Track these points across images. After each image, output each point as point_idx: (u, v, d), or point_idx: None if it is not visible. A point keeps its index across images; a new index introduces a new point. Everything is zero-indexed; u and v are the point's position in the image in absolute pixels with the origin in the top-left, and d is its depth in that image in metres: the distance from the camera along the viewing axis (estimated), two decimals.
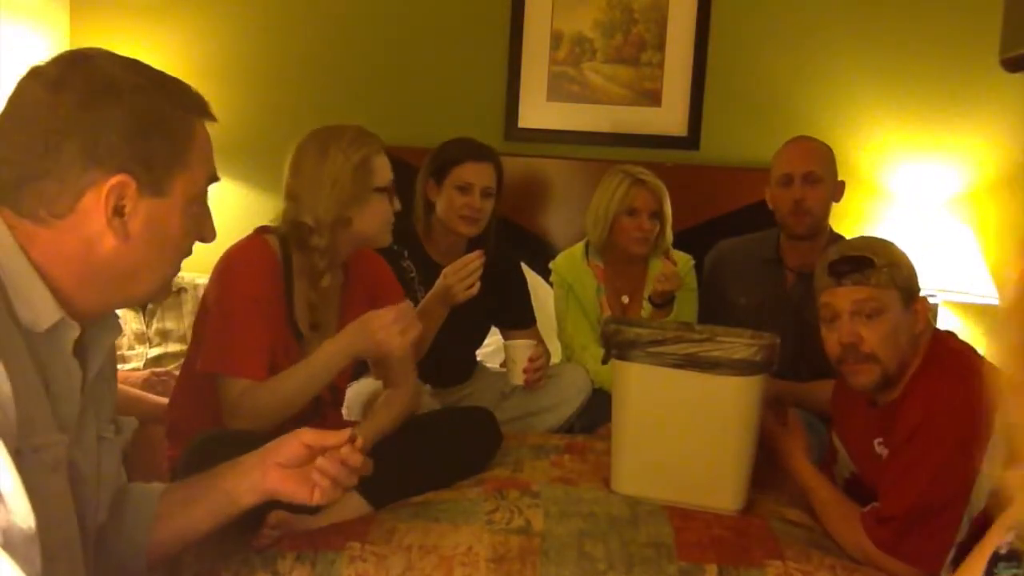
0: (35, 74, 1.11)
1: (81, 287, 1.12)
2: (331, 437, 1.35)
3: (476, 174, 2.55)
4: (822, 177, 2.66)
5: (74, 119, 1.09)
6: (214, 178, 1.23)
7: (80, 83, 1.10)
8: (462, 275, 2.30)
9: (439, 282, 2.34)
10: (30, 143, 1.08)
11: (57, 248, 1.10)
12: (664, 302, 2.72)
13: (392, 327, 1.88)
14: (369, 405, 2.25)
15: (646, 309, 2.78)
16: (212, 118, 1.21)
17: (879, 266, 1.80)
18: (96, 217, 1.10)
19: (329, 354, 1.92)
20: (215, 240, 1.26)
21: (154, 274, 1.19)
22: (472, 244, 2.57)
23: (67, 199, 1.09)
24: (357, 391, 2.38)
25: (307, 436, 1.35)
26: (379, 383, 2.26)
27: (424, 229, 2.64)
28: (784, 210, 2.69)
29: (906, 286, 1.80)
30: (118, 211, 1.11)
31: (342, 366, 1.95)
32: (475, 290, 2.31)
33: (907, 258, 1.85)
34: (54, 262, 1.10)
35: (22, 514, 0.96)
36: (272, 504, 1.68)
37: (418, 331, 1.93)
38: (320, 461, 1.33)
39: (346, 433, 1.36)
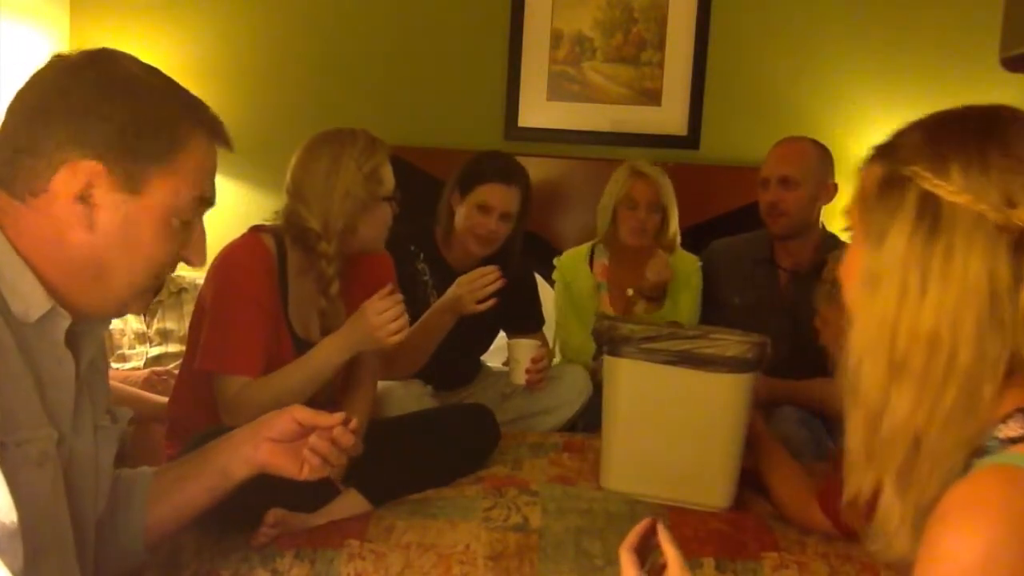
0: (57, 59, 1.13)
1: (58, 277, 1.12)
2: (324, 416, 1.38)
3: (499, 197, 2.52)
4: (798, 181, 2.69)
5: (69, 102, 1.09)
6: (206, 201, 1.20)
7: (94, 74, 1.11)
8: (475, 286, 2.27)
9: (451, 289, 2.32)
10: (28, 119, 1.10)
11: (36, 232, 1.10)
12: (657, 295, 2.73)
13: (385, 314, 1.89)
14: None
15: (640, 306, 2.78)
16: (225, 143, 1.20)
17: (824, 281, 1.91)
18: (64, 200, 1.09)
19: (328, 350, 1.93)
20: (203, 264, 1.24)
21: (122, 278, 1.14)
22: (491, 256, 2.56)
23: (42, 176, 1.09)
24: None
25: (299, 413, 1.37)
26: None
27: (444, 234, 2.62)
28: (762, 211, 2.75)
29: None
30: (84, 198, 1.09)
31: (341, 362, 1.95)
32: (485, 306, 2.28)
33: None
34: (34, 247, 1.10)
35: (4, 508, 0.96)
36: (271, 501, 1.69)
37: (407, 321, 1.93)
38: (312, 439, 1.36)
39: (340, 415, 1.38)
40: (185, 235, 1.19)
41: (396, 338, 1.91)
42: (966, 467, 0.87)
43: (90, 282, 1.14)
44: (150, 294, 1.22)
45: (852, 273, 0.97)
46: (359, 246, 2.08)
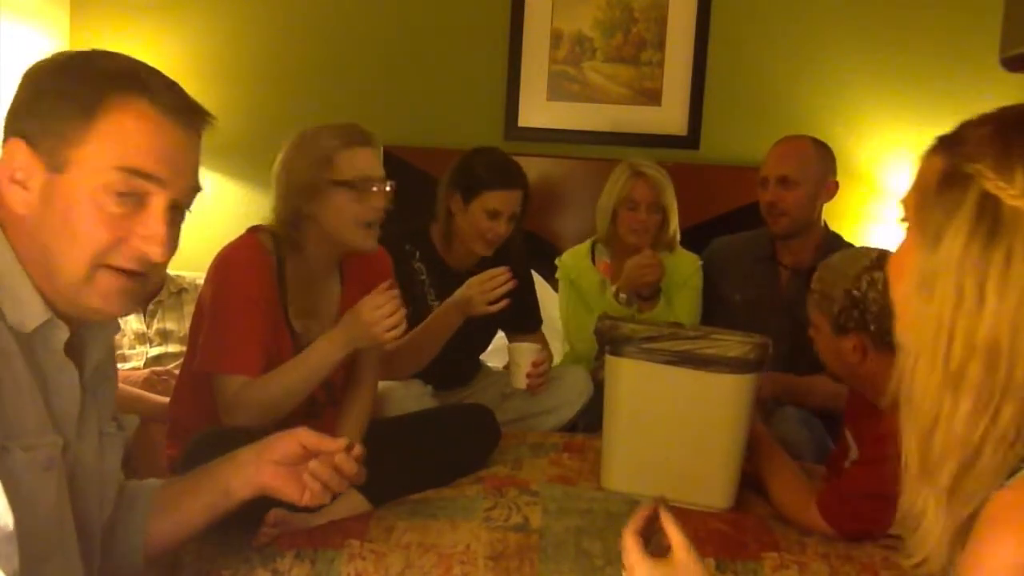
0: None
1: (39, 279, 1.10)
2: (328, 442, 1.35)
3: (506, 202, 2.51)
4: (797, 180, 2.69)
5: (18, 93, 1.10)
6: (139, 173, 1.08)
7: (50, 63, 1.11)
8: (487, 287, 2.27)
9: (461, 290, 2.31)
10: None
11: (12, 225, 1.10)
12: (650, 294, 2.73)
13: (381, 310, 1.88)
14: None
15: (634, 306, 2.78)
16: (169, 111, 1.09)
17: (812, 290, 1.90)
18: (6, 185, 1.08)
19: (324, 347, 1.93)
20: (163, 258, 1.12)
21: (64, 266, 1.08)
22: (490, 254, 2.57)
23: None
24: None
25: (304, 437, 1.34)
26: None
27: (442, 236, 2.61)
28: (762, 211, 2.76)
29: (835, 319, 1.83)
30: (17, 180, 1.08)
31: (338, 359, 1.95)
32: (497, 307, 2.28)
33: (854, 294, 1.80)
34: (27, 253, 1.10)
35: (0, 511, 0.96)
36: (271, 502, 1.69)
37: (403, 316, 1.91)
38: (313, 464, 1.33)
39: (344, 441, 1.36)
40: (131, 220, 1.09)
41: (392, 334, 1.90)
42: (1011, 472, 0.84)
43: (42, 272, 1.10)
44: (125, 293, 1.12)
45: (904, 270, 0.92)
46: (332, 240, 2.02)
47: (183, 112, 1.12)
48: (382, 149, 2.08)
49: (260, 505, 1.66)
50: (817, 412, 2.46)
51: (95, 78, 1.08)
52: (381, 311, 1.88)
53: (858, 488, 1.80)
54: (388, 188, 2.02)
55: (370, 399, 2.13)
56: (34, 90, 1.09)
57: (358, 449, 1.36)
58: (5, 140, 1.09)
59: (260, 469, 1.33)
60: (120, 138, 1.07)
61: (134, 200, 1.09)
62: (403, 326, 1.92)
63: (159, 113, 1.09)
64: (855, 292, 1.80)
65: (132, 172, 1.08)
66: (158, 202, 1.10)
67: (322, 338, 1.95)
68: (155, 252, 1.10)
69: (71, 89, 1.07)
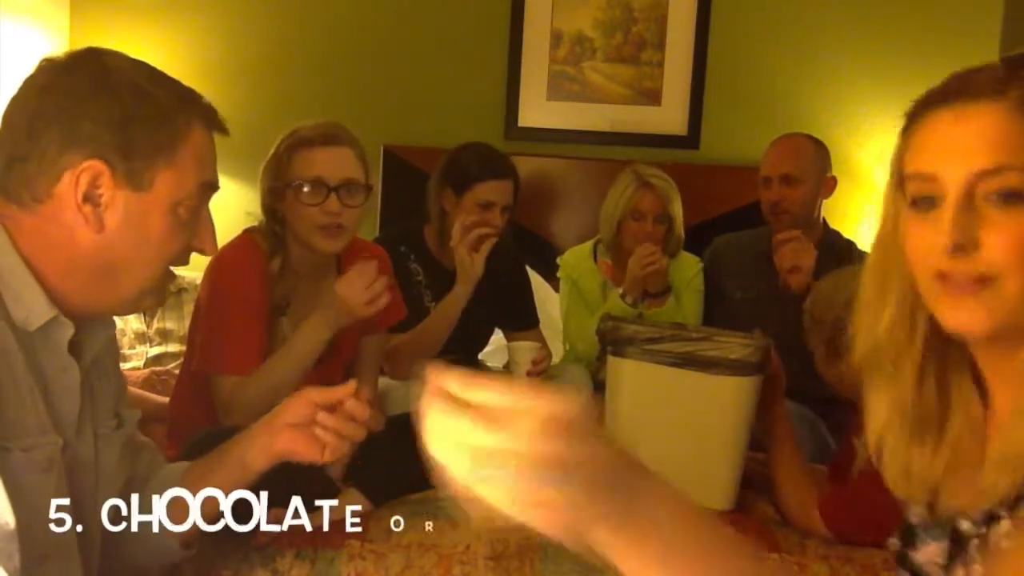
0: (45, 63, 1.14)
1: (65, 281, 1.12)
2: (337, 391, 1.33)
3: (498, 192, 2.51)
4: (799, 178, 2.70)
5: (62, 105, 1.10)
6: (211, 186, 1.21)
7: (83, 74, 1.11)
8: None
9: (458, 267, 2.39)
10: (19, 124, 1.10)
11: (41, 237, 1.10)
12: (658, 291, 2.73)
13: (355, 283, 1.88)
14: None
15: (640, 308, 2.78)
16: (221, 129, 1.22)
17: (805, 313, 1.95)
18: (71, 203, 1.09)
19: (307, 332, 1.93)
20: (215, 251, 1.25)
21: (135, 274, 1.16)
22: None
23: (45, 182, 1.09)
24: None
25: (313, 394, 1.34)
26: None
27: (436, 236, 2.61)
28: (766, 210, 2.76)
29: (828, 344, 1.85)
30: (90, 198, 1.10)
31: (323, 341, 1.93)
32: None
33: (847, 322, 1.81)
34: (39, 253, 1.10)
35: (1, 510, 0.97)
36: (272, 502, 1.68)
37: (385, 287, 1.92)
38: (321, 416, 1.30)
39: (352, 385, 1.34)
40: (193, 224, 1.19)
41: (378, 303, 1.91)
42: None
43: (100, 283, 1.14)
44: (164, 289, 1.22)
45: None
46: (302, 240, 2.01)
47: (218, 125, 1.22)
48: (355, 150, 2.02)
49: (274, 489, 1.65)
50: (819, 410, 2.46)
51: (165, 98, 1.15)
52: (355, 285, 1.89)
53: (867, 496, 1.77)
54: (350, 191, 1.97)
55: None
56: (114, 115, 1.11)
57: (366, 391, 1.35)
58: (64, 160, 1.09)
59: (274, 436, 1.32)
60: (199, 157, 1.18)
61: (200, 206, 1.20)
62: (386, 297, 1.93)
63: (210, 129, 1.21)
64: (847, 319, 1.78)
65: (206, 185, 1.20)
66: (206, 203, 1.22)
67: (304, 323, 1.95)
68: (211, 248, 1.23)
69: (148, 111, 1.12)
